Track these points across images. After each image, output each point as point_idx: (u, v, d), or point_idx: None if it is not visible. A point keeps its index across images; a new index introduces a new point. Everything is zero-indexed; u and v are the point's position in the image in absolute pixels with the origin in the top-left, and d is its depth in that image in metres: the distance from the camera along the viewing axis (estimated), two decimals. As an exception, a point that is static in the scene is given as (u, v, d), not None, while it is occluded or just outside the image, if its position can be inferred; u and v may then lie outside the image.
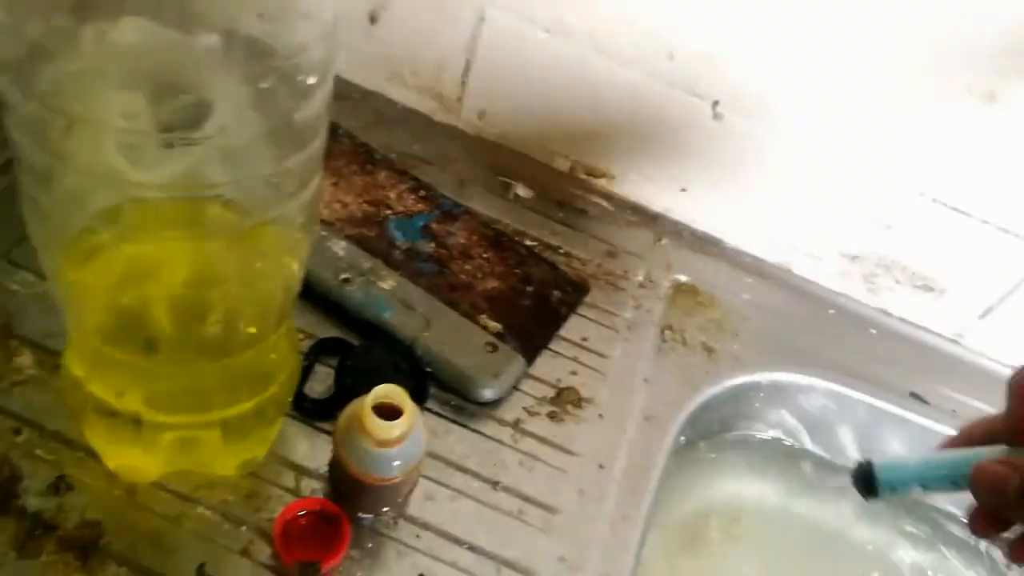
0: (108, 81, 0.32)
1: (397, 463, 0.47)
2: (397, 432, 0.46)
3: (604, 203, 0.75)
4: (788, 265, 0.76)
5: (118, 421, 0.46)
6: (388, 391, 0.46)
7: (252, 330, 0.43)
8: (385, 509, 0.51)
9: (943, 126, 0.64)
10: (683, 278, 0.73)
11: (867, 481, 0.40)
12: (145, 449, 0.47)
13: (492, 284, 0.65)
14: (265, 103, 0.31)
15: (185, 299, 0.43)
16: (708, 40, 0.64)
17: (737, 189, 0.73)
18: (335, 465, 0.49)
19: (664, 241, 0.75)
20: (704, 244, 0.76)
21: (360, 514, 0.51)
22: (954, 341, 0.77)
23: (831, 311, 0.76)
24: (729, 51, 0.65)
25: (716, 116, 0.68)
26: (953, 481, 0.38)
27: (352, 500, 0.50)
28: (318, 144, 0.35)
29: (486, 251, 0.67)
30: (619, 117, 0.70)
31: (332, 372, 0.57)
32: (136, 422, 0.45)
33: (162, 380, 0.44)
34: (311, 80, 0.31)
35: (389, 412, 0.46)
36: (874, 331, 0.76)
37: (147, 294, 0.43)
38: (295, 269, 0.41)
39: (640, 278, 0.71)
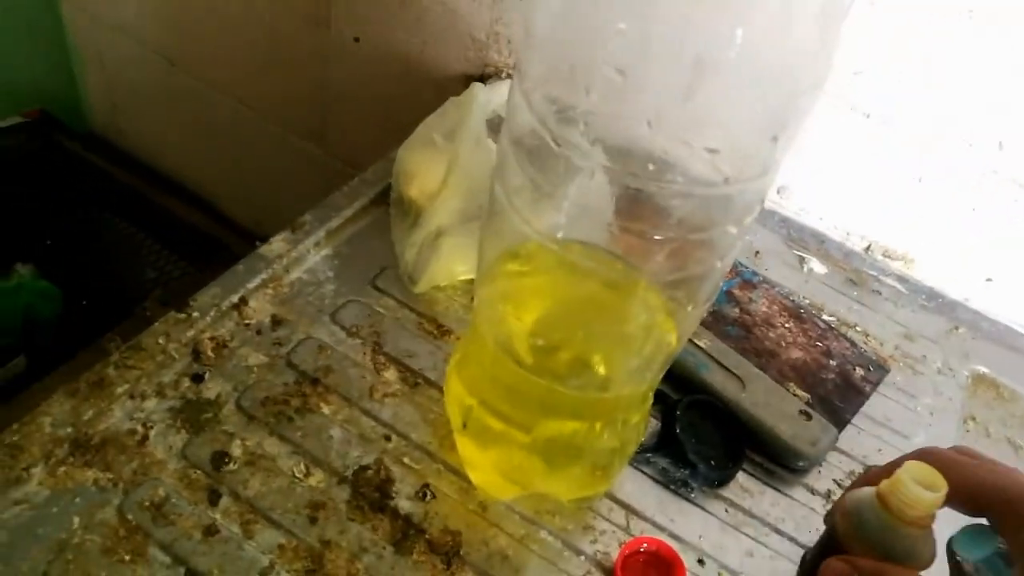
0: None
1: (928, 545, 0.38)
2: (937, 506, 0.37)
3: (898, 286, 0.75)
4: (1100, 370, 0.73)
5: (496, 437, 0.50)
6: (927, 471, 0.37)
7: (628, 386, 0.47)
8: None
9: None
10: (983, 369, 0.71)
11: None
12: (514, 468, 0.51)
13: (796, 354, 0.66)
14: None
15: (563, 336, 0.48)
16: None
17: (1051, 284, 0.71)
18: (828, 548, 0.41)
19: (961, 330, 0.74)
20: (1006, 337, 0.74)
21: None
22: None
23: None
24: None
25: (1042, 207, 0.67)
26: None
27: None
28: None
29: (787, 321, 0.69)
30: (932, 202, 0.71)
31: (651, 421, 0.59)
32: (513, 442, 0.49)
33: (543, 402, 0.48)
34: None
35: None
36: None
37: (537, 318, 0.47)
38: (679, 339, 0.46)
39: (938, 364, 0.70)
